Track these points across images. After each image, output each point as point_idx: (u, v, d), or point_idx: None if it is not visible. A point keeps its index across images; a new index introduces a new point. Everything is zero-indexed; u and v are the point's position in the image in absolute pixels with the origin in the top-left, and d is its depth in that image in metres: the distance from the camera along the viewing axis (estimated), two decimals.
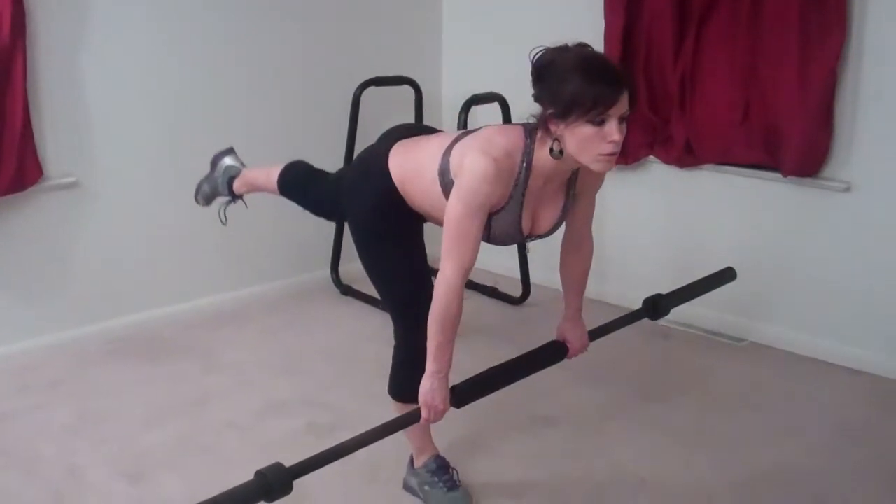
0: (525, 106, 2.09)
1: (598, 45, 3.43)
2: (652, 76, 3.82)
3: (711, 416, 3.10)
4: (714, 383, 3.40)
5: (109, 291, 3.71)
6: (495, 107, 3.91)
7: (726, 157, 3.69)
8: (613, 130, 1.94)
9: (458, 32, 4.61)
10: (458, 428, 2.84)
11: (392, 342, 2.46)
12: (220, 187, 3.12)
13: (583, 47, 2.02)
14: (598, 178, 2.26)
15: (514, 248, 4.07)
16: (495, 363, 2.31)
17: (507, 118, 3.89)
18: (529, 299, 4.17)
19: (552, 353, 2.43)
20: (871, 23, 3.22)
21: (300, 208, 2.81)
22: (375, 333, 3.70)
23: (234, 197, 3.11)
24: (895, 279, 3.32)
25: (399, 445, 2.53)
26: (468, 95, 3.86)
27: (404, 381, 2.35)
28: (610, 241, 3.87)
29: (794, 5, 3.31)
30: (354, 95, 4.08)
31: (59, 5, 3.36)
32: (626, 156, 3.83)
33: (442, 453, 2.60)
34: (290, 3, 4.07)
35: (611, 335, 2.56)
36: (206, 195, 3.19)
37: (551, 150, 2.04)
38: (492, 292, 4.25)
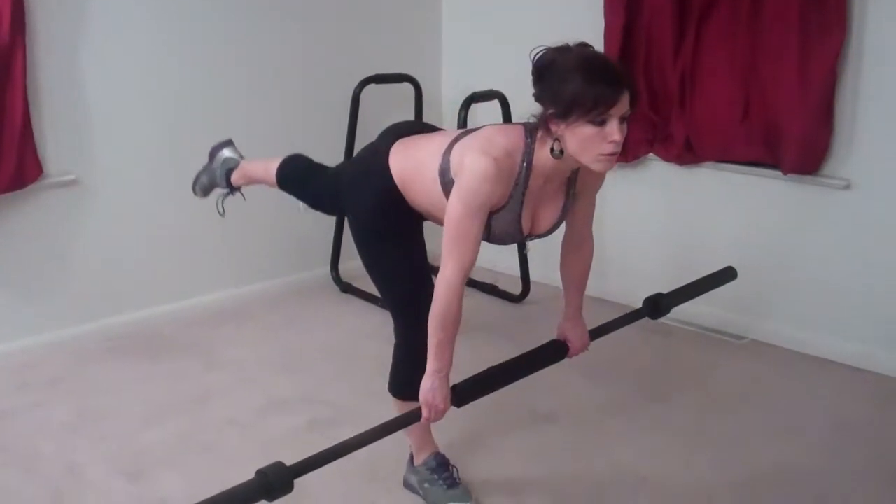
0: (525, 104, 2.09)
1: (598, 45, 3.43)
2: (652, 74, 3.81)
3: (712, 415, 3.10)
4: (715, 381, 3.40)
5: (109, 289, 3.71)
6: (495, 104, 3.91)
7: (726, 155, 3.68)
8: (614, 130, 1.94)
9: (458, 30, 4.60)
10: (458, 425, 2.83)
11: (392, 340, 2.46)
12: (217, 179, 3.11)
13: (584, 47, 2.02)
14: (598, 178, 2.25)
15: (514, 245, 4.06)
16: (495, 361, 2.31)
17: (506, 116, 3.89)
18: (529, 297, 4.17)
19: (553, 352, 2.43)
20: (871, 21, 3.21)
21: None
22: (375, 331, 3.70)
23: (232, 189, 3.11)
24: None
25: (399, 443, 2.52)
26: (468, 93, 3.86)
27: (405, 380, 2.35)
28: (610, 239, 3.87)
29: (794, 4, 3.31)
30: (354, 93, 4.08)
31: (59, 4, 3.36)
32: (626, 153, 3.82)
33: (442, 450, 2.60)
34: (289, 3, 4.06)
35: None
36: (203, 186, 3.18)
37: (552, 149, 2.04)
38: (491, 290, 4.25)
